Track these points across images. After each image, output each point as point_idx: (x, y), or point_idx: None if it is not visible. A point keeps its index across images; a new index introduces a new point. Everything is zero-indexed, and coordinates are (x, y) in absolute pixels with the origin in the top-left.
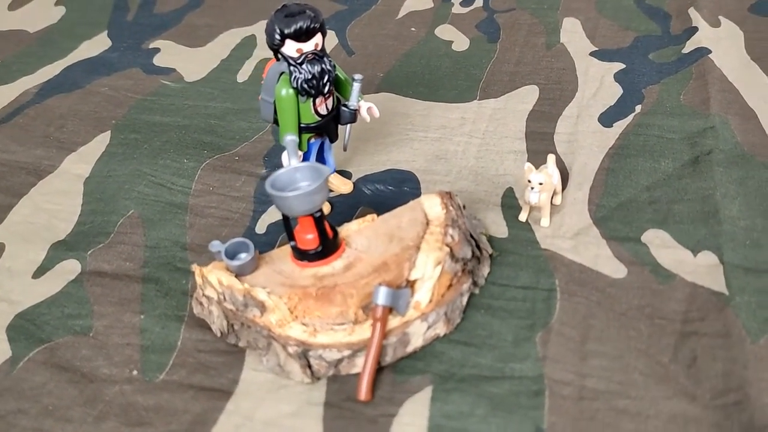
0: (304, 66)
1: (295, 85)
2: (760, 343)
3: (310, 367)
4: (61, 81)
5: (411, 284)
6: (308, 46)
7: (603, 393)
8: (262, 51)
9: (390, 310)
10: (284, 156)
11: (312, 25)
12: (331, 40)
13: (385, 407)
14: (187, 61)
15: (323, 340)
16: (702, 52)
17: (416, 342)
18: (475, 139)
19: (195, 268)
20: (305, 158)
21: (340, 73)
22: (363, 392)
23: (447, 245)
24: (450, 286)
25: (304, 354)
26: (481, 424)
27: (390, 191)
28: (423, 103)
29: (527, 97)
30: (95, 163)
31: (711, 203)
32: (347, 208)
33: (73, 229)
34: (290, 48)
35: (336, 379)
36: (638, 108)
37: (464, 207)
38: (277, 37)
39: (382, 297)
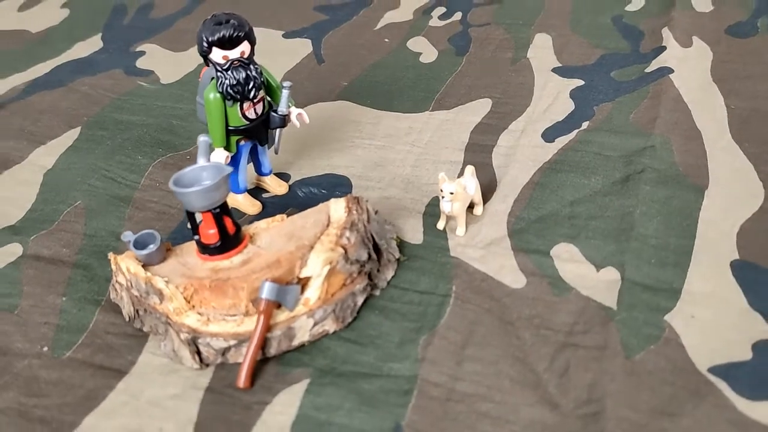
0: (229, 72)
1: (221, 90)
2: (635, 358)
3: (199, 353)
4: (48, 79)
5: (303, 282)
6: (234, 54)
7: (470, 396)
8: None
9: (277, 304)
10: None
11: (236, 34)
12: (306, 48)
13: (262, 395)
14: (167, 64)
15: (213, 329)
16: (663, 72)
17: (302, 336)
18: (417, 149)
19: (111, 256)
20: (235, 160)
21: (272, 80)
22: (242, 380)
23: (342, 246)
24: (343, 285)
25: (193, 341)
26: (345, 417)
27: (322, 194)
28: (377, 112)
29: (479, 109)
30: (59, 156)
31: (628, 221)
32: (279, 208)
33: (24, 216)
34: (217, 55)
35: (224, 366)
36: (585, 125)
37: (376, 212)
38: (204, 44)
39: (266, 291)
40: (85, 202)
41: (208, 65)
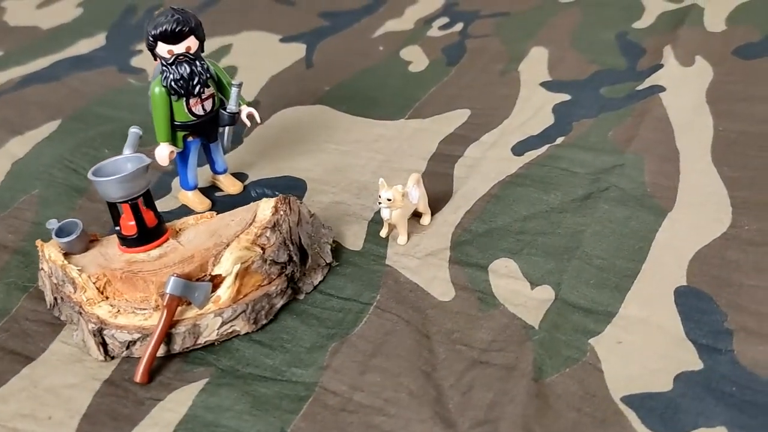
0: (174, 67)
1: (165, 84)
2: (545, 381)
3: (105, 345)
4: (45, 73)
5: (218, 280)
6: (179, 49)
7: (365, 407)
8: (233, 58)
9: (182, 301)
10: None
11: (179, 28)
12: (299, 53)
13: (157, 391)
14: None
15: (121, 321)
16: (654, 90)
17: (210, 335)
18: (381, 156)
19: (38, 243)
20: (184, 156)
21: (224, 78)
22: (138, 374)
23: (260, 246)
24: (259, 286)
25: (99, 332)
26: (232, 420)
27: (275, 196)
28: (352, 118)
29: (455, 120)
30: (33, 147)
31: (577, 239)
32: (229, 207)
33: None
34: (162, 49)
35: (129, 360)
36: (559, 140)
37: (312, 215)
38: (150, 38)
39: (171, 286)
40: (42, 191)
41: (155, 59)
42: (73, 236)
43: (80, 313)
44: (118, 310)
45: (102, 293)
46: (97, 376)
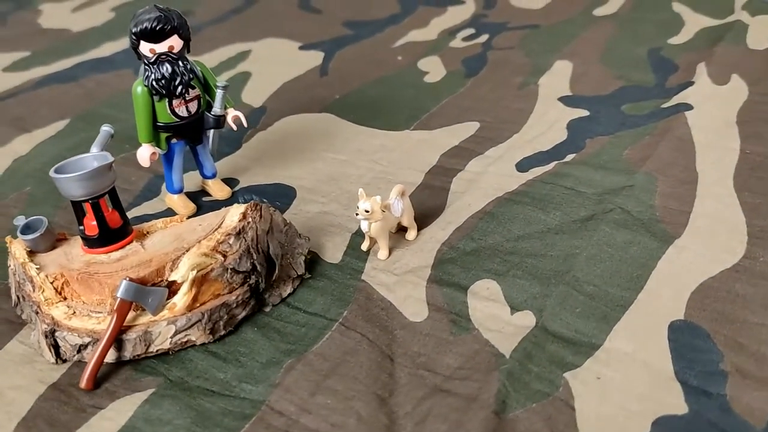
0: (155, 66)
1: (146, 84)
2: (507, 416)
3: (57, 347)
4: (64, 74)
5: (176, 286)
6: (161, 48)
7: (309, 431)
8: (249, 64)
9: (136, 306)
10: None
11: (160, 26)
12: (316, 61)
13: (100, 399)
14: None
15: (74, 323)
16: (679, 108)
17: (162, 343)
18: (378, 167)
19: (8, 239)
20: (169, 158)
21: (211, 80)
22: (84, 380)
23: (221, 253)
24: (219, 296)
25: (52, 333)
26: None
27: (262, 203)
28: (356, 127)
29: (462, 132)
30: (36, 145)
31: (569, 263)
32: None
33: None
34: (145, 48)
35: (80, 364)
36: (569, 157)
37: (288, 224)
38: (132, 36)
39: (122, 290)
40: (34, 189)
41: (139, 58)
42: (37, 234)
43: (37, 313)
44: (74, 312)
45: (60, 294)
46: (44, 380)
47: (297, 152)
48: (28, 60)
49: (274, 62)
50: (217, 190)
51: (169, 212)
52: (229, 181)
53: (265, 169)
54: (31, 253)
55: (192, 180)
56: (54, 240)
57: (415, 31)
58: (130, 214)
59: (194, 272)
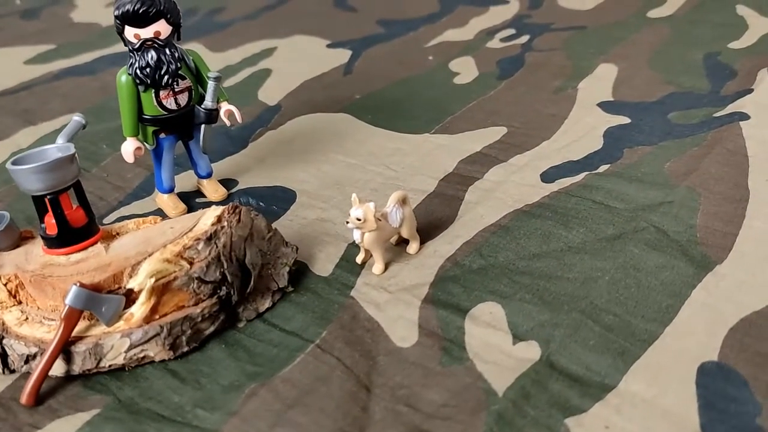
0: (140, 53)
1: (130, 72)
2: None
3: (5, 356)
4: (84, 68)
5: (135, 294)
6: (146, 33)
7: None
8: (271, 61)
9: (90, 315)
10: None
11: (143, 9)
12: (342, 59)
13: (41, 417)
14: None
15: (23, 331)
16: (734, 118)
17: (115, 358)
18: (390, 172)
19: None
20: (158, 155)
21: (204, 70)
22: (24, 395)
23: (187, 260)
24: (182, 307)
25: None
26: None
27: (258, 206)
28: (372, 129)
29: (486, 137)
30: (39, 138)
31: (587, 288)
32: None
33: None
34: (129, 33)
35: (27, 376)
36: (602, 168)
37: (273, 230)
38: (116, 20)
39: (71, 296)
40: None
41: (125, 44)
42: None
43: None
44: (27, 318)
45: (14, 297)
46: None
47: (304, 153)
48: (52, 53)
49: (299, 60)
50: (212, 191)
51: (159, 213)
52: (227, 182)
53: (268, 171)
54: None
55: (189, 180)
56: (17, 237)
57: (451, 30)
58: (118, 213)
59: (152, 280)
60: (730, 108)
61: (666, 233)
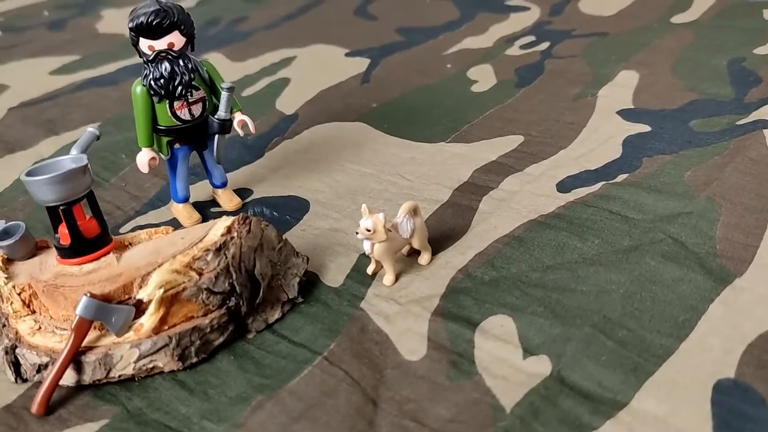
0: (154, 65)
1: (144, 83)
2: None
3: (18, 365)
4: (106, 78)
5: (144, 305)
6: (160, 44)
7: None
8: (290, 70)
9: (100, 325)
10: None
11: (156, 21)
12: (360, 68)
13: (50, 427)
14: None
15: (36, 340)
16: (757, 126)
17: (124, 369)
18: (404, 181)
19: None
20: (173, 165)
21: (218, 81)
22: (35, 405)
23: (197, 271)
24: (191, 318)
25: (12, 350)
26: None
27: (272, 216)
28: (388, 137)
29: (502, 146)
30: (60, 148)
31: (601, 301)
32: None
33: None
34: (144, 44)
35: (39, 385)
36: (620, 177)
37: (283, 241)
38: (131, 33)
39: (81, 307)
40: None
41: (140, 56)
42: (11, 240)
43: (4, 326)
44: (40, 327)
45: (28, 306)
46: None
47: (319, 163)
48: (76, 64)
49: (317, 69)
50: (226, 200)
51: (174, 222)
52: (242, 192)
53: (283, 180)
54: (10, 261)
55: (205, 189)
56: (33, 247)
57: (470, 38)
58: (135, 223)
59: (161, 290)
60: (754, 116)
61: (684, 245)
